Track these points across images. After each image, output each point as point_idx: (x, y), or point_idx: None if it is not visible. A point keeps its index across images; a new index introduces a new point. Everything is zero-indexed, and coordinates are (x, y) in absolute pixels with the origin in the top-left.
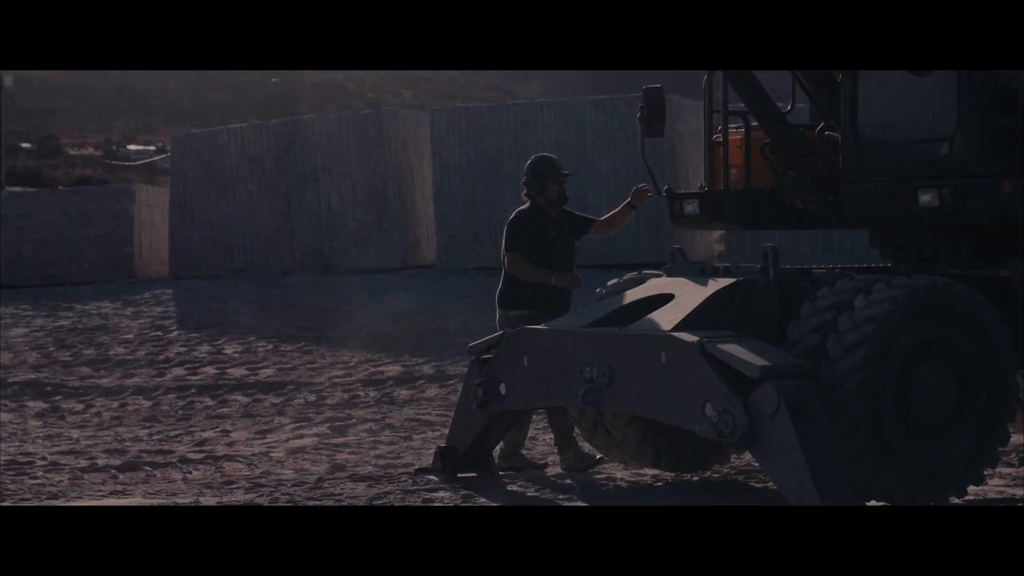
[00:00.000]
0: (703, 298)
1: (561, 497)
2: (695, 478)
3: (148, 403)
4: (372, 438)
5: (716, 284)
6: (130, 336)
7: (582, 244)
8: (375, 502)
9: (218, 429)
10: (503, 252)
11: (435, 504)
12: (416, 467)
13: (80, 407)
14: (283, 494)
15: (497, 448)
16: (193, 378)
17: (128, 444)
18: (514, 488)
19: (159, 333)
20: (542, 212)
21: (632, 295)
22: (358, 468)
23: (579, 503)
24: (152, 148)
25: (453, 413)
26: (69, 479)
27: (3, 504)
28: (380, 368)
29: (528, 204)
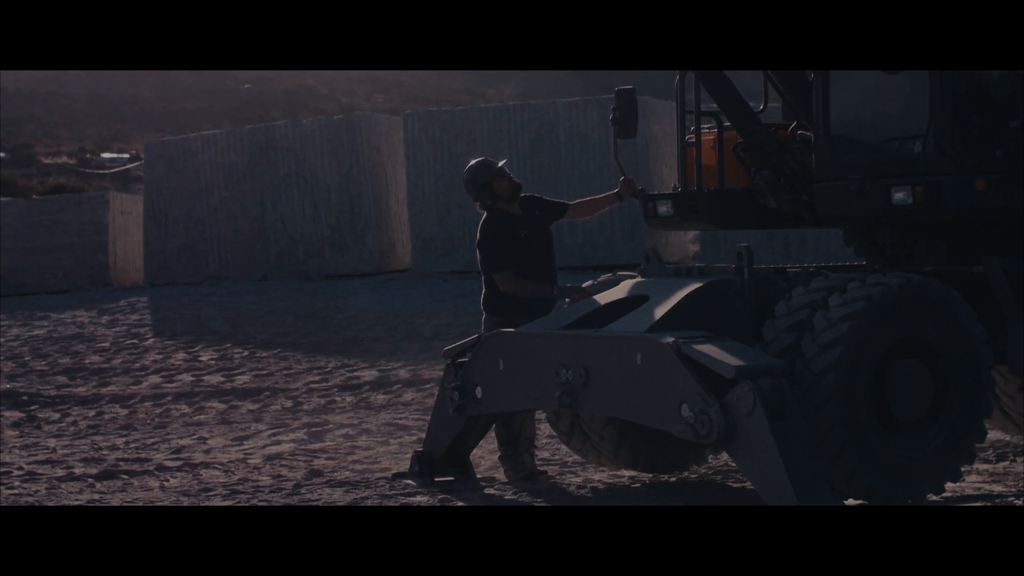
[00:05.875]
0: (678, 299)
1: (538, 501)
2: (673, 479)
3: (124, 411)
4: (349, 443)
5: (691, 285)
6: (106, 344)
7: (556, 246)
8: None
9: (195, 436)
10: (486, 271)
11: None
12: (393, 472)
13: (56, 416)
14: (260, 500)
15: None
16: (169, 385)
17: (105, 453)
18: (492, 491)
19: (135, 341)
20: (504, 214)
21: (607, 296)
22: (335, 473)
23: (558, 505)
24: (126, 156)
25: (430, 417)
26: (46, 488)
27: None
28: (356, 373)
29: (487, 212)
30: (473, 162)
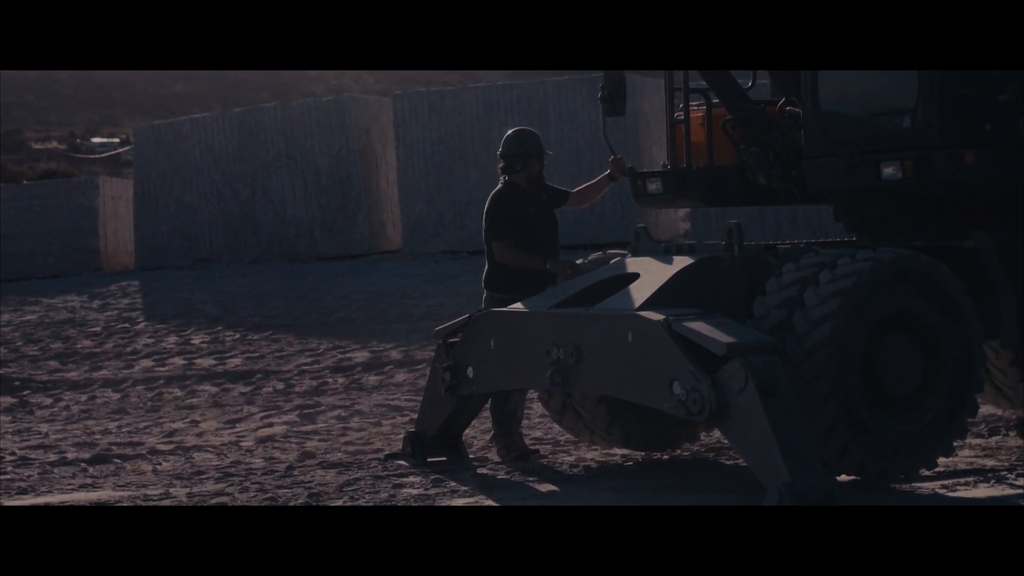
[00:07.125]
0: (669, 276)
1: (531, 479)
2: (665, 456)
3: (116, 395)
4: (341, 425)
5: (681, 262)
6: (97, 329)
7: None
8: (345, 488)
9: (187, 420)
10: (487, 239)
11: (406, 488)
12: (386, 452)
13: (49, 401)
14: (253, 483)
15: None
16: (161, 369)
17: (97, 437)
18: (485, 471)
19: (126, 325)
20: (518, 190)
21: (598, 275)
22: (328, 455)
23: (550, 486)
24: (116, 140)
25: (421, 398)
26: (39, 473)
27: None
28: (348, 354)
29: (502, 184)
30: (528, 128)
